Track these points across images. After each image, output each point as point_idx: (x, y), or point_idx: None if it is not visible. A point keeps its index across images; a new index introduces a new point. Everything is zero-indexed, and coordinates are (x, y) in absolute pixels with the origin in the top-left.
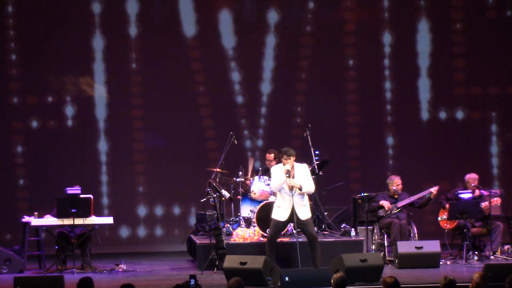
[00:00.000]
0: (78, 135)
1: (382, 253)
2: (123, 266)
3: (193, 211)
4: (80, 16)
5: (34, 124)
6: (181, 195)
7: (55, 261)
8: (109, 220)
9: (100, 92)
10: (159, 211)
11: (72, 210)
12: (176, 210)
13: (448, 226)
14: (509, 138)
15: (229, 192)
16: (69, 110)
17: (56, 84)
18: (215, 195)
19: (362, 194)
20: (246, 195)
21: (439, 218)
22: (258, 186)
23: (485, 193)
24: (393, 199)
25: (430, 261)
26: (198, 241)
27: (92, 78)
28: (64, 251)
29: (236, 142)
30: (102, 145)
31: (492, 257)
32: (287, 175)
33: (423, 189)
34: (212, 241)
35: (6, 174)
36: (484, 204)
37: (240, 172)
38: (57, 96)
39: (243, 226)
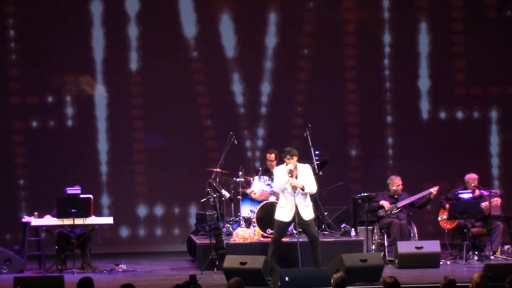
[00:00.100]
0: (78, 135)
1: (382, 253)
2: (123, 266)
3: (193, 211)
4: (80, 16)
5: (34, 124)
6: (181, 195)
7: (55, 261)
8: (109, 220)
9: (100, 92)
10: (159, 211)
11: (72, 210)
12: (176, 210)
13: (448, 226)
14: (509, 138)
15: (229, 192)
16: (69, 110)
17: (56, 84)
18: (215, 195)
19: (362, 194)
20: (246, 195)
21: (439, 218)
22: (258, 186)
23: (485, 193)
24: (393, 199)
25: (430, 261)
26: (198, 241)
27: (92, 78)
28: (64, 251)
29: (236, 142)
30: (102, 145)
31: (492, 257)
32: (290, 175)
33: (423, 189)
34: (212, 241)
35: (6, 174)
36: (484, 204)
37: (240, 172)
38: (57, 96)
39: (243, 226)
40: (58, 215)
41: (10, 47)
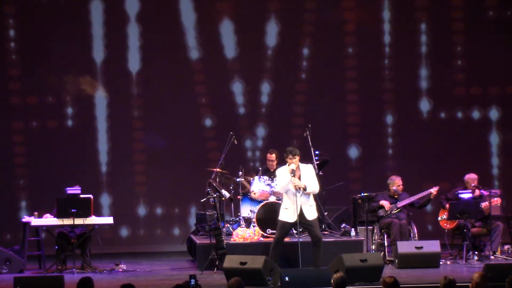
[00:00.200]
0: (78, 135)
1: (382, 253)
2: (123, 266)
3: (193, 211)
4: (80, 16)
5: (34, 124)
6: (181, 195)
7: (55, 261)
8: (109, 220)
9: (100, 92)
10: (159, 211)
11: (72, 210)
12: (176, 210)
13: (448, 226)
14: (509, 138)
15: (229, 192)
16: (69, 110)
17: (56, 84)
18: (215, 195)
19: (362, 194)
20: (246, 195)
21: (439, 218)
22: (258, 186)
23: (485, 193)
24: (393, 199)
25: (430, 261)
26: (198, 241)
27: (92, 78)
28: (64, 251)
29: (236, 142)
30: (102, 145)
31: (492, 257)
32: (292, 174)
33: (423, 189)
34: (212, 241)
35: (6, 174)
36: (484, 204)
37: (240, 172)
38: (57, 96)
39: (243, 226)
40: (58, 215)
41: (10, 47)
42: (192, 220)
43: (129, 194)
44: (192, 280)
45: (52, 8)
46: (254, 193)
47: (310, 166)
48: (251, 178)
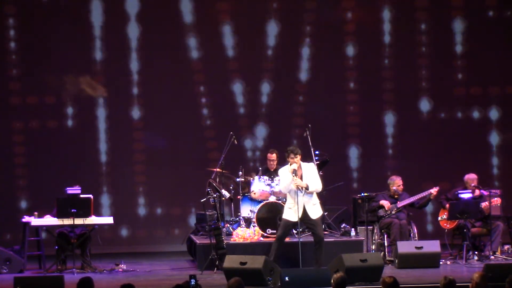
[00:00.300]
0: (78, 135)
1: (382, 253)
2: (123, 266)
3: (193, 211)
4: (80, 16)
5: (34, 124)
6: (181, 195)
7: (55, 261)
8: (109, 220)
9: (100, 92)
10: (159, 211)
11: (72, 210)
12: (176, 210)
13: (448, 226)
14: (509, 138)
15: (229, 192)
16: (69, 110)
17: (56, 84)
18: (215, 195)
19: (362, 194)
20: (246, 195)
21: (439, 218)
22: (258, 186)
23: (485, 193)
24: (393, 199)
25: (430, 261)
26: (198, 241)
27: (92, 78)
28: (64, 251)
29: (236, 142)
30: (102, 145)
31: (492, 257)
32: (293, 174)
33: (423, 189)
34: (212, 241)
35: (6, 174)
36: (484, 204)
37: (240, 172)
38: (57, 96)
39: (243, 226)
40: (58, 215)
41: (10, 47)
42: (192, 220)
43: (129, 194)
44: (192, 280)
45: (52, 8)
46: (254, 193)
47: (312, 164)
48: (251, 178)
